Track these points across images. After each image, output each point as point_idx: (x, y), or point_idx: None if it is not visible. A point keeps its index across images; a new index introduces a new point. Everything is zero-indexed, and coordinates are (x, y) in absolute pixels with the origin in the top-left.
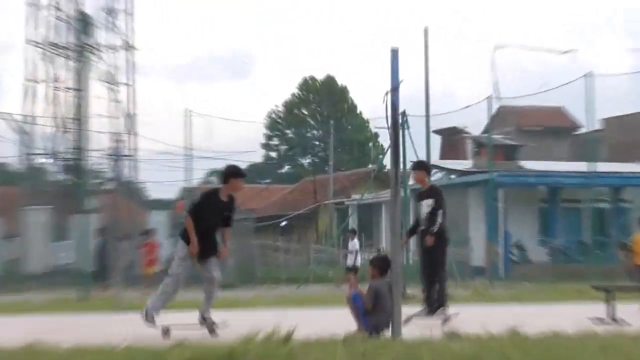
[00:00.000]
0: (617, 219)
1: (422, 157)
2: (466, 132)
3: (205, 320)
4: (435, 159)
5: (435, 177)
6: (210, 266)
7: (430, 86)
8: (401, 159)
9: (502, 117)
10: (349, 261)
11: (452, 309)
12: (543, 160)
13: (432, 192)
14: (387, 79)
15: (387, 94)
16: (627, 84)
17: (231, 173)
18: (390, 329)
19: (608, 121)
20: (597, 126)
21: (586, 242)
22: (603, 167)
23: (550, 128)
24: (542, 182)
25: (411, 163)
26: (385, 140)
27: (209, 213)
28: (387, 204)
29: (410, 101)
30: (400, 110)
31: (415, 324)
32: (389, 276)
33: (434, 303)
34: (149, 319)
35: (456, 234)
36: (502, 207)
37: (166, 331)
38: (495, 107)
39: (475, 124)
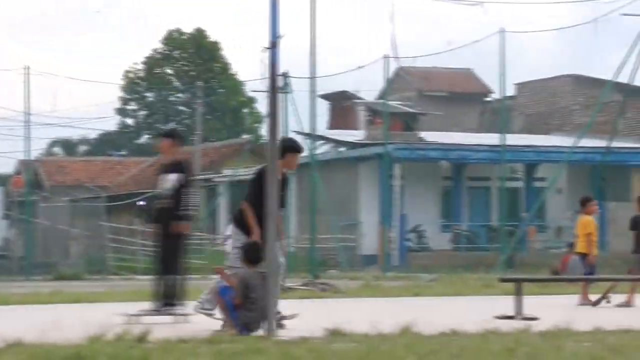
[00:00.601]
0: (531, 199)
1: (307, 125)
2: (358, 98)
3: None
4: (322, 128)
5: (322, 149)
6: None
7: (318, 42)
8: (281, 128)
9: (401, 80)
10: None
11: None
12: (448, 132)
13: (180, 165)
14: (265, 34)
15: (264, 50)
16: (546, 44)
17: (287, 147)
18: (263, 326)
19: (522, 86)
20: (511, 92)
21: (495, 227)
22: (516, 139)
23: (457, 94)
24: (446, 157)
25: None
26: (263, 106)
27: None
28: None
29: (295, 62)
30: (282, 71)
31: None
32: (264, 266)
33: (167, 298)
34: (204, 311)
35: (344, 216)
36: (399, 185)
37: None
38: (393, 68)
39: (370, 88)
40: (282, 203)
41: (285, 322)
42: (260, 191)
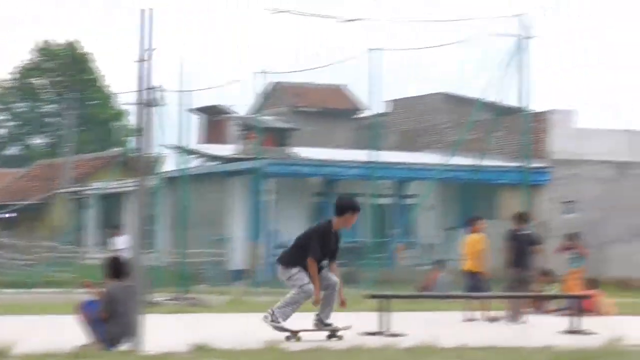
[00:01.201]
0: (400, 217)
1: (178, 139)
2: (231, 112)
3: (325, 325)
4: (194, 142)
5: (194, 163)
6: (327, 274)
7: (192, 56)
8: (152, 142)
9: (274, 95)
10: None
11: None
12: (320, 147)
13: None
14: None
15: (136, 63)
16: (419, 61)
17: (348, 206)
18: (129, 340)
19: (395, 103)
20: (383, 109)
21: (363, 243)
22: (387, 156)
23: (329, 110)
24: (318, 173)
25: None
26: (135, 119)
27: (323, 248)
28: (133, 194)
29: (168, 75)
30: (154, 84)
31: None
32: (132, 279)
33: None
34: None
35: (214, 231)
36: (270, 201)
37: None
38: (265, 83)
39: (243, 103)
40: (334, 255)
41: (341, 333)
42: (320, 246)
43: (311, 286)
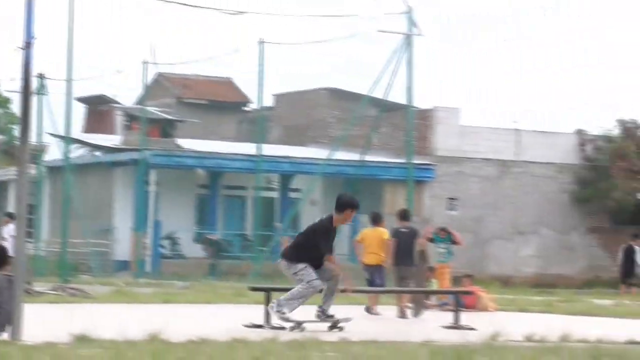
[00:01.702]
0: (286, 210)
1: (62, 128)
2: (116, 102)
3: (328, 317)
4: (78, 131)
5: (77, 153)
6: (328, 266)
7: (77, 45)
8: (35, 130)
9: (160, 86)
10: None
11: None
12: (206, 139)
13: None
14: (21, 33)
15: (18, 50)
16: (305, 56)
17: (348, 203)
18: (8, 330)
19: (281, 97)
20: (269, 103)
21: (249, 236)
22: (272, 150)
23: (216, 102)
24: (203, 165)
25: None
26: (18, 107)
27: (323, 241)
28: (15, 183)
29: (53, 63)
30: (38, 72)
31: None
32: (11, 269)
33: None
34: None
35: (98, 221)
36: (155, 192)
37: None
38: (152, 74)
39: (129, 93)
40: (331, 250)
41: (342, 325)
42: (325, 241)
43: (319, 282)
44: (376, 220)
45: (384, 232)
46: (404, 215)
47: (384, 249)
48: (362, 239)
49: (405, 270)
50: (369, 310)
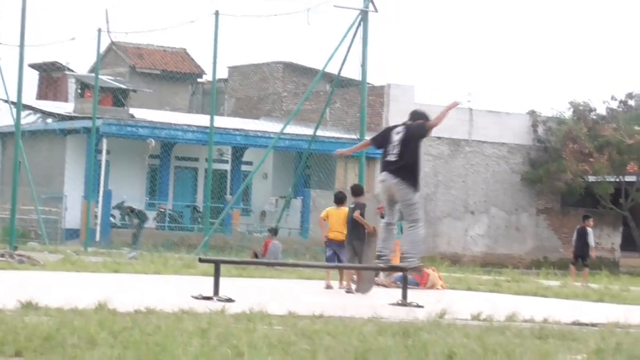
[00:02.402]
0: (237, 183)
1: (14, 94)
2: (69, 70)
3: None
4: (30, 98)
5: (28, 119)
6: None
7: (31, 10)
8: None
9: (114, 55)
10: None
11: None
12: (159, 110)
13: None
14: None
15: None
16: (260, 29)
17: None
18: None
19: (235, 70)
20: (223, 75)
21: (200, 208)
22: (225, 122)
23: (170, 73)
24: (155, 135)
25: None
26: None
27: None
28: None
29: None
30: None
31: None
32: None
33: None
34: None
35: (48, 189)
36: (106, 161)
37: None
38: (106, 42)
39: (82, 61)
40: None
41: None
42: None
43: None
44: (341, 200)
45: (345, 211)
46: (355, 191)
47: (343, 226)
48: (327, 216)
49: (357, 245)
50: (348, 290)
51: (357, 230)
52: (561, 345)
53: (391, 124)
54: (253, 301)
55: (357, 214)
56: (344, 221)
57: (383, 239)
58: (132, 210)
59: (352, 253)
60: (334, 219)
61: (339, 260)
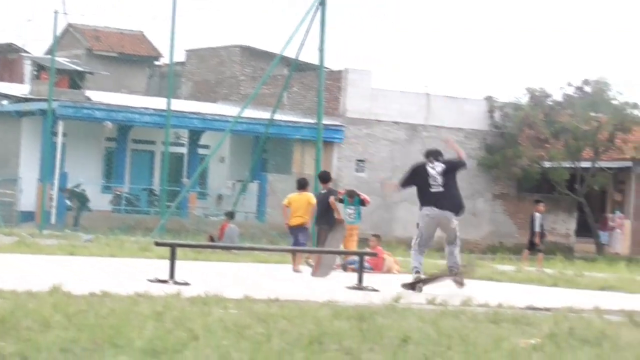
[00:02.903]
0: (194, 166)
1: None
2: (25, 51)
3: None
4: None
5: None
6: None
7: None
8: None
9: (70, 37)
10: None
11: None
12: (116, 93)
13: None
14: None
15: None
16: (217, 12)
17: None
18: None
19: (192, 53)
20: (181, 58)
21: (156, 191)
22: (182, 105)
23: (127, 55)
24: (111, 118)
25: None
26: None
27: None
28: None
29: None
30: None
31: None
32: None
33: None
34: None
35: (3, 171)
36: (62, 143)
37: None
38: (62, 24)
39: (39, 43)
40: None
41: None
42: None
43: None
44: (303, 185)
45: (311, 197)
46: (323, 178)
47: (309, 213)
48: (289, 203)
49: (325, 230)
50: (296, 270)
51: (327, 216)
52: (515, 330)
53: (348, 108)
54: (209, 285)
55: (332, 199)
56: (305, 207)
57: (419, 262)
58: (72, 192)
59: (324, 238)
60: (295, 205)
61: (297, 244)
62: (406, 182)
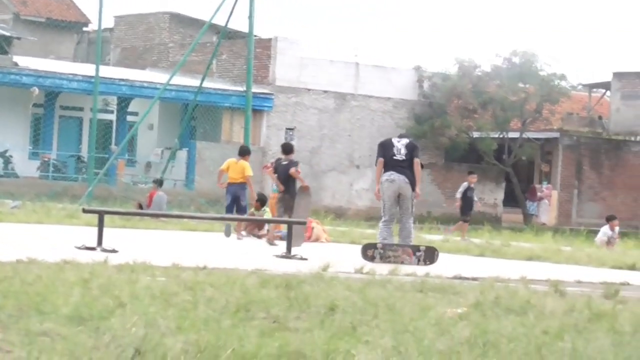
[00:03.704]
0: (122, 133)
1: None
2: None
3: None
4: None
5: None
6: None
7: None
8: None
9: None
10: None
11: None
12: (43, 59)
13: None
14: None
15: None
16: None
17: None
18: None
19: (121, 19)
20: (109, 24)
21: (84, 158)
22: (111, 72)
23: (54, 21)
24: (39, 84)
25: None
26: None
27: None
28: None
29: None
30: None
31: None
32: None
33: None
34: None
35: None
36: None
37: None
38: None
39: None
40: None
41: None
42: None
43: None
44: (243, 153)
45: (247, 167)
46: (286, 149)
47: (244, 180)
48: (226, 168)
49: (288, 200)
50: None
51: (289, 186)
52: (442, 299)
53: (277, 76)
54: (137, 252)
55: (293, 170)
56: (241, 173)
57: (385, 236)
58: None
59: (284, 208)
60: (232, 170)
61: (238, 204)
62: (378, 156)
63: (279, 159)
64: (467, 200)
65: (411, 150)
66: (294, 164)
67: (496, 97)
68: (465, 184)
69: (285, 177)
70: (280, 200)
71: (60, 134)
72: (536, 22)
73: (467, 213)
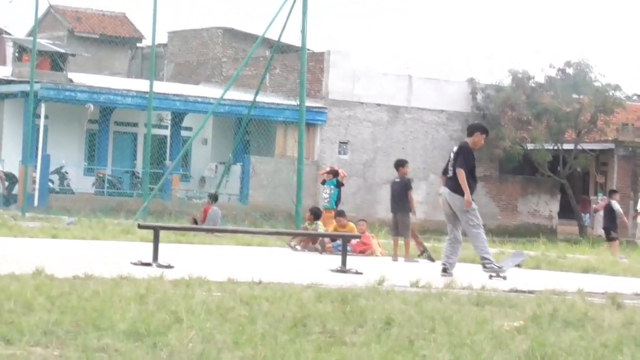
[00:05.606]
0: (177, 148)
1: None
2: (7, 33)
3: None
4: None
5: None
6: None
7: None
8: None
9: (53, 18)
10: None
11: None
12: (98, 74)
13: None
14: None
15: None
16: None
17: (477, 127)
18: None
19: (175, 35)
20: (163, 40)
21: (139, 173)
22: (165, 87)
23: (108, 37)
24: (94, 100)
25: None
26: None
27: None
28: None
29: None
30: None
31: None
32: None
33: None
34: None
35: None
36: (44, 125)
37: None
38: (44, 5)
39: (21, 24)
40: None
41: None
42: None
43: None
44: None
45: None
46: (397, 164)
47: None
48: None
49: (399, 217)
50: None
51: (401, 204)
52: (498, 312)
53: (331, 89)
54: (192, 267)
55: (411, 193)
56: None
57: (448, 254)
58: (7, 175)
59: (395, 223)
60: None
61: None
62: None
63: (395, 179)
64: (612, 217)
65: (455, 156)
66: (406, 182)
67: (550, 108)
68: (615, 203)
69: (397, 194)
70: (394, 216)
71: (115, 150)
72: (590, 33)
73: (615, 230)
